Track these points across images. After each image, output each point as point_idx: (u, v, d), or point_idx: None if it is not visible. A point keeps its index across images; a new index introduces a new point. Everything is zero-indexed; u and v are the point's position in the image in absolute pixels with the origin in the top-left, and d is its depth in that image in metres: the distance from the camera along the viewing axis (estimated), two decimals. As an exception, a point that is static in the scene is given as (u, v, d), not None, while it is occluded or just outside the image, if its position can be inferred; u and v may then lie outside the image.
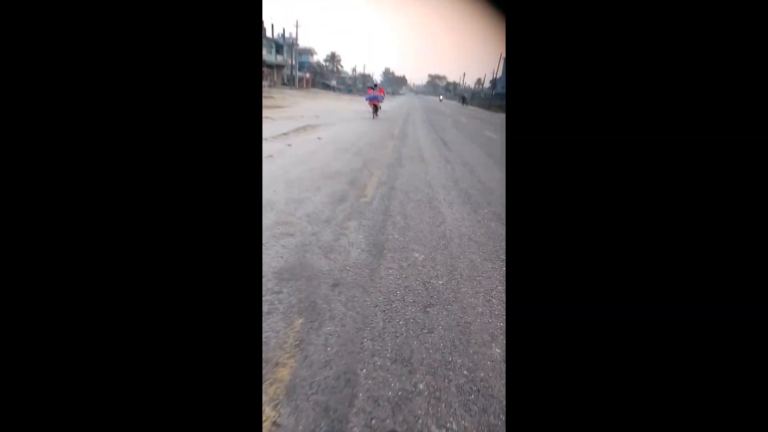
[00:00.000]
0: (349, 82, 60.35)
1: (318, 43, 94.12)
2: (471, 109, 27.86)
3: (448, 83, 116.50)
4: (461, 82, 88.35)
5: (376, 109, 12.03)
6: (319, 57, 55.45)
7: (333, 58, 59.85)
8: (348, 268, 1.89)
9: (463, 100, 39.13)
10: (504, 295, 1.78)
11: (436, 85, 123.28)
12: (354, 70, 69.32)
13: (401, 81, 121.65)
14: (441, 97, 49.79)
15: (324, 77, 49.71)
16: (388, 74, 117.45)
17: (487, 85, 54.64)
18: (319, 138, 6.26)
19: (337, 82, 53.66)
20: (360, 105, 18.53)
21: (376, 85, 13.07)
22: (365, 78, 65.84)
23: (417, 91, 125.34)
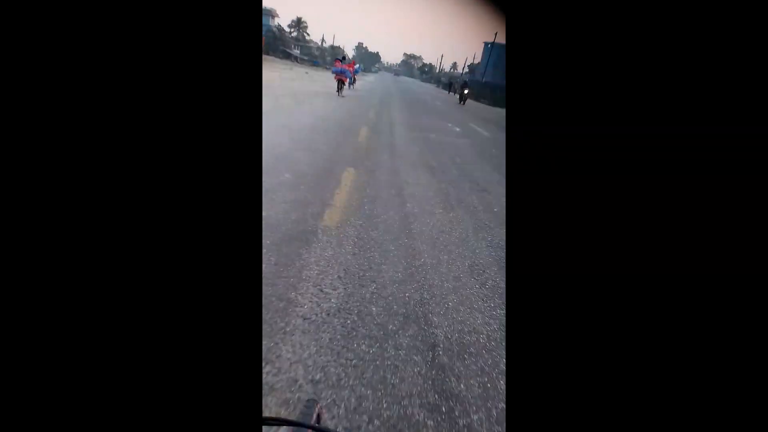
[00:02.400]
0: (317, 53, 52.89)
1: (280, 4, 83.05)
2: (480, 108, 17.78)
3: (423, 64, 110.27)
4: (437, 65, 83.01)
5: (341, 84, 10.95)
6: (282, 21, 47.54)
7: (299, 23, 52.01)
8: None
9: (462, 95, 19.44)
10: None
11: (410, 66, 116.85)
12: (323, 40, 61.44)
13: (375, 57, 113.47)
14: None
15: (285, 44, 42.33)
16: (361, 49, 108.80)
17: (465, 70, 48.81)
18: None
19: (300, 52, 46.35)
20: (315, 84, 13.23)
21: (344, 58, 11.72)
22: (335, 50, 58.18)
23: (395, 71, 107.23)
